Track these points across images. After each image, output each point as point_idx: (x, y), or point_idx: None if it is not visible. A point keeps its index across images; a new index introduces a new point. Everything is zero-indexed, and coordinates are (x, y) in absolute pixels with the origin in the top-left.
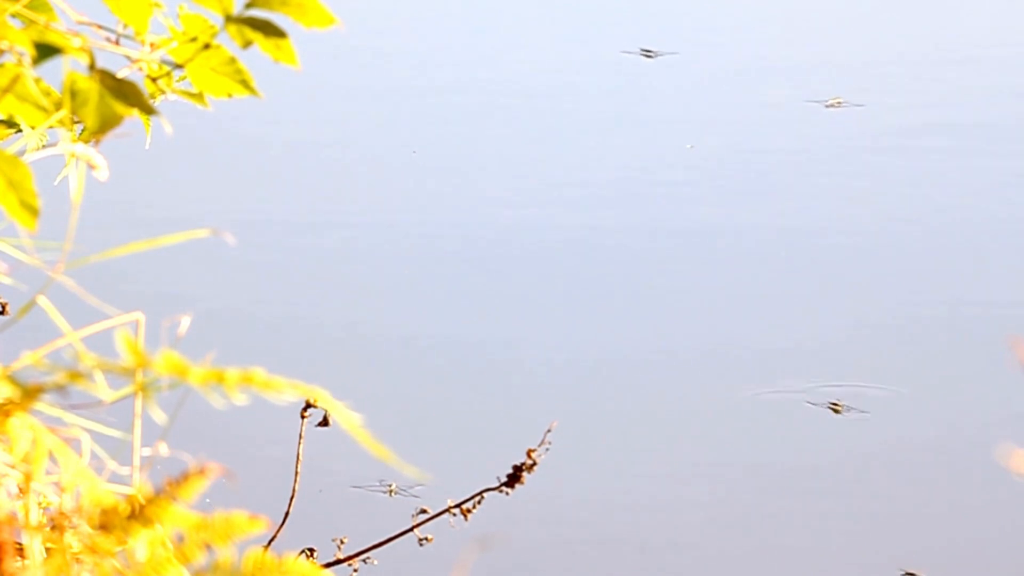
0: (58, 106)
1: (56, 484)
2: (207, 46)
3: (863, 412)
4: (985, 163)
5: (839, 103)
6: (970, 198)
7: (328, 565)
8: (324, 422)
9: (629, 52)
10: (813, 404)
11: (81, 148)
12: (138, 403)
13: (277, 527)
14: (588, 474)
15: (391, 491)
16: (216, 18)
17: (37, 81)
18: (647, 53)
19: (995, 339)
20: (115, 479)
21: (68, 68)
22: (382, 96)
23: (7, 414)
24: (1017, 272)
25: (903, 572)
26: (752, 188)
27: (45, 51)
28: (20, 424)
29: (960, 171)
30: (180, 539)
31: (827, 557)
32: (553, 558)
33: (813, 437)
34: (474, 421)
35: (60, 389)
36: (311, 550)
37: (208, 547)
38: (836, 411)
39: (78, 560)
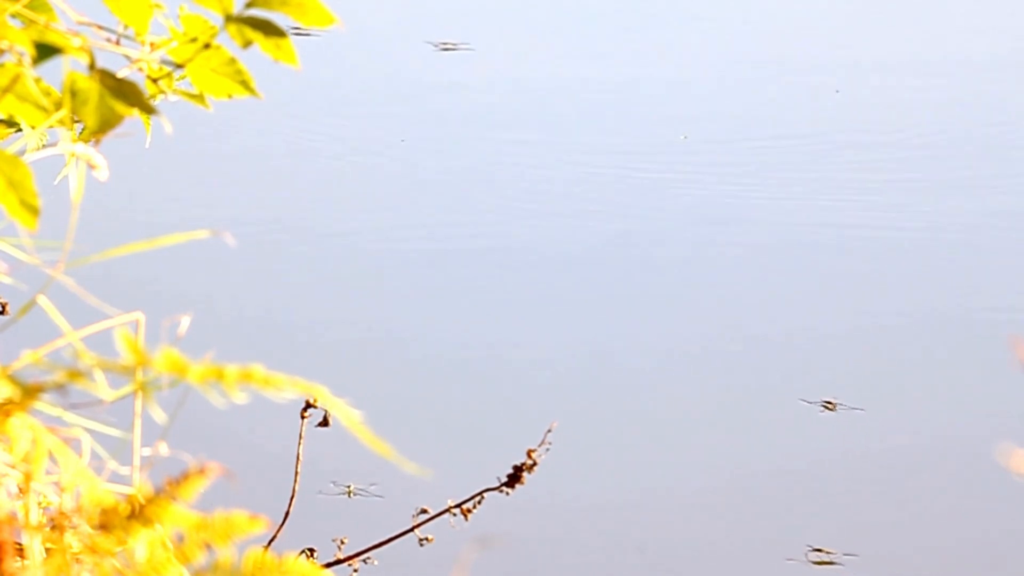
0: (58, 106)
1: (56, 484)
2: (207, 46)
3: (857, 410)
4: (986, 161)
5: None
6: (970, 199)
7: (328, 565)
8: (324, 422)
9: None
10: (807, 402)
11: (81, 148)
12: (138, 402)
13: (277, 527)
14: (588, 474)
15: (349, 492)
16: (216, 19)
17: (37, 81)
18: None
19: (996, 339)
20: (115, 479)
21: (68, 68)
22: (381, 97)
23: (7, 414)
24: (1019, 274)
25: (810, 548)
26: (750, 185)
27: (45, 51)
28: (20, 424)
29: (960, 170)
30: (180, 539)
31: (828, 556)
32: (554, 558)
33: (808, 436)
34: (474, 421)
35: (60, 388)
36: (311, 550)
37: (208, 547)
38: (829, 409)
39: (78, 560)
